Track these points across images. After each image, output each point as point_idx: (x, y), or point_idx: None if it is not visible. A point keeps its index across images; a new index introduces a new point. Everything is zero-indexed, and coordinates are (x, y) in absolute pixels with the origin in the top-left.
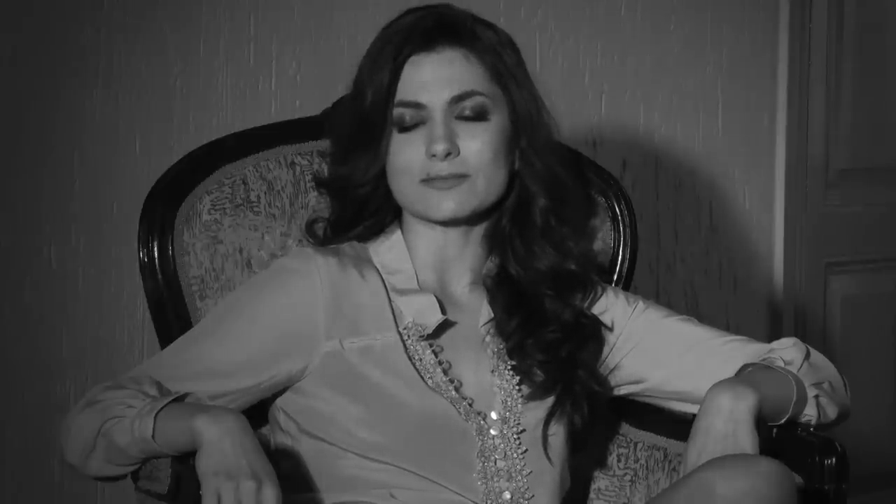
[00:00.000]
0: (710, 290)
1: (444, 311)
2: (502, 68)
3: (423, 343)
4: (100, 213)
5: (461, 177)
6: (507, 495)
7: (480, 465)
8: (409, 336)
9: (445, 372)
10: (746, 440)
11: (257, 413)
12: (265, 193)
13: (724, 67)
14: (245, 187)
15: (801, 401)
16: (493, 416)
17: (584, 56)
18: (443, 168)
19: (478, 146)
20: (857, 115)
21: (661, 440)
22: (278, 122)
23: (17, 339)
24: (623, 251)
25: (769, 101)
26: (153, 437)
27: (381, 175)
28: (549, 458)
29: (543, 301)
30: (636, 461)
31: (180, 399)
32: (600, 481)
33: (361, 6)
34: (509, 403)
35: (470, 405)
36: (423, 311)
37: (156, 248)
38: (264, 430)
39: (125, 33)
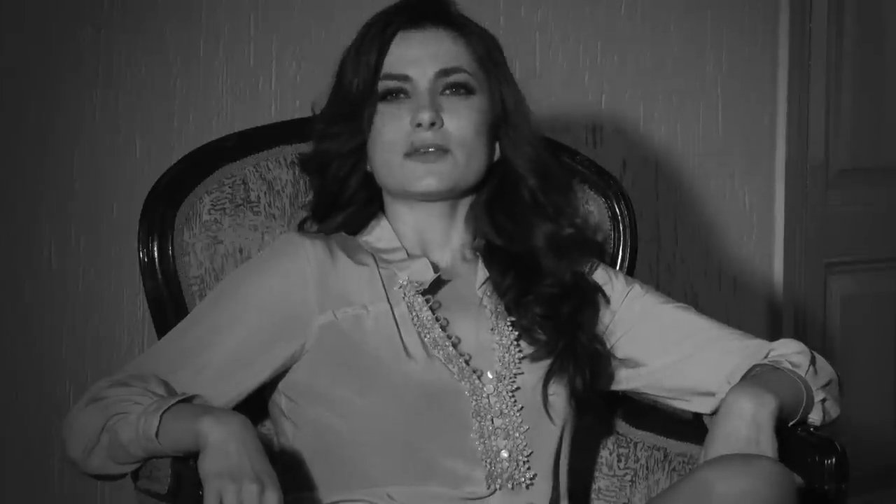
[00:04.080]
0: (710, 290)
1: (437, 272)
2: (486, 56)
3: (419, 299)
4: (100, 213)
5: (443, 151)
6: (505, 454)
7: (477, 424)
8: (405, 294)
9: (443, 328)
10: (769, 446)
11: (258, 410)
12: (265, 193)
13: (724, 67)
14: (245, 187)
15: (809, 405)
16: (489, 374)
17: (584, 56)
18: (427, 138)
19: (460, 121)
20: (857, 115)
21: (661, 440)
22: (278, 122)
23: (17, 339)
24: (623, 251)
25: (769, 101)
26: (157, 435)
27: (360, 150)
28: (549, 416)
29: (539, 258)
30: (636, 461)
31: (188, 400)
32: (600, 481)
33: (361, 6)
34: (507, 360)
35: (466, 362)
36: (417, 272)
37: (156, 248)
38: (266, 429)
39: (125, 33)
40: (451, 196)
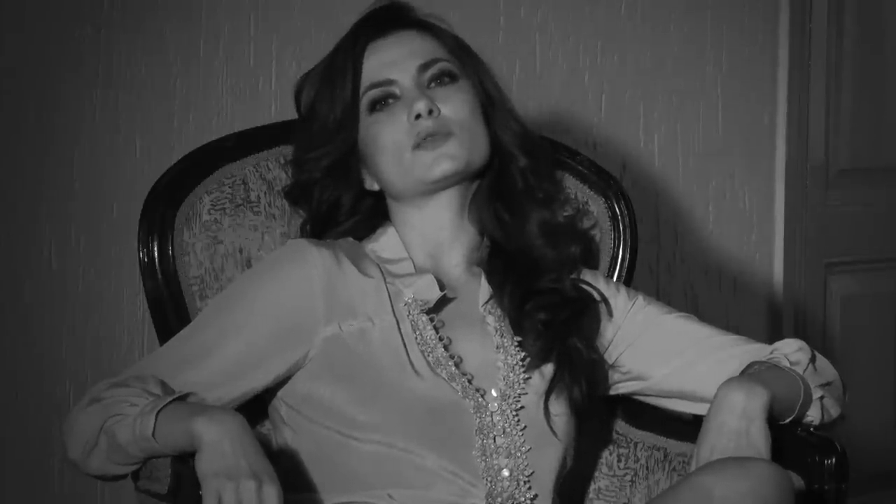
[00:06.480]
0: (710, 291)
1: (442, 289)
2: (457, 46)
3: (423, 318)
4: (100, 213)
5: (447, 134)
6: (506, 472)
7: (479, 441)
8: (409, 312)
9: (446, 348)
10: (760, 438)
11: (257, 410)
12: (265, 193)
13: (724, 67)
14: (245, 187)
15: (807, 402)
16: (493, 392)
17: (584, 56)
18: (429, 126)
19: (455, 105)
20: (857, 115)
21: (661, 440)
22: (278, 122)
23: (17, 339)
24: (623, 251)
25: (769, 101)
26: (153, 435)
27: (340, 170)
28: (554, 433)
29: (534, 253)
30: (636, 461)
31: (183, 398)
32: (600, 481)
33: (362, 6)
34: (511, 379)
35: (469, 381)
36: (422, 289)
37: (156, 248)
38: (265, 429)
39: (125, 33)
40: (464, 177)
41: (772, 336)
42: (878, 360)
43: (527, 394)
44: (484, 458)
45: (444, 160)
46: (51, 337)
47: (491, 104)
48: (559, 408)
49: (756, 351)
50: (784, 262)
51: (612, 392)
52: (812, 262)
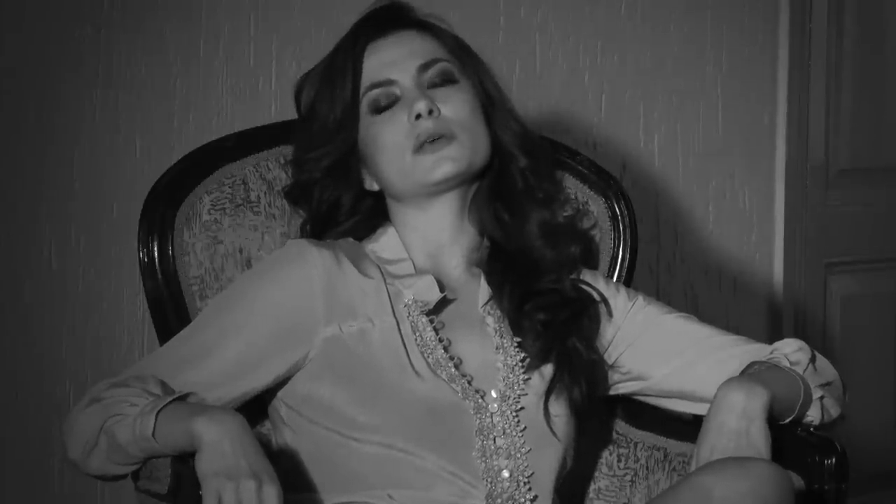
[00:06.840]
0: (710, 291)
1: (442, 291)
2: (457, 47)
3: (423, 319)
4: (100, 213)
5: (449, 137)
6: (506, 473)
7: (480, 442)
8: (409, 313)
9: (445, 349)
10: (760, 438)
11: (257, 410)
12: (265, 193)
13: (724, 67)
14: (245, 187)
15: (807, 402)
16: (493, 393)
17: (584, 56)
18: (429, 127)
19: (455, 106)
20: (857, 115)
21: (661, 440)
22: (278, 122)
23: (17, 339)
24: (623, 251)
25: (769, 101)
26: (153, 435)
27: (340, 170)
28: (553, 434)
29: (534, 254)
30: (636, 461)
31: (183, 398)
32: (600, 481)
33: (362, 6)
34: (511, 380)
35: (469, 383)
36: (422, 291)
37: (156, 248)
38: (265, 429)
39: (125, 33)
40: (466, 179)
41: (772, 336)
42: (878, 360)
43: (526, 395)
44: (484, 459)
45: (445, 163)
46: (51, 337)
47: (491, 104)
48: (559, 408)
49: (756, 351)
50: (784, 262)
51: (612, 392)
52: (812, 262)
